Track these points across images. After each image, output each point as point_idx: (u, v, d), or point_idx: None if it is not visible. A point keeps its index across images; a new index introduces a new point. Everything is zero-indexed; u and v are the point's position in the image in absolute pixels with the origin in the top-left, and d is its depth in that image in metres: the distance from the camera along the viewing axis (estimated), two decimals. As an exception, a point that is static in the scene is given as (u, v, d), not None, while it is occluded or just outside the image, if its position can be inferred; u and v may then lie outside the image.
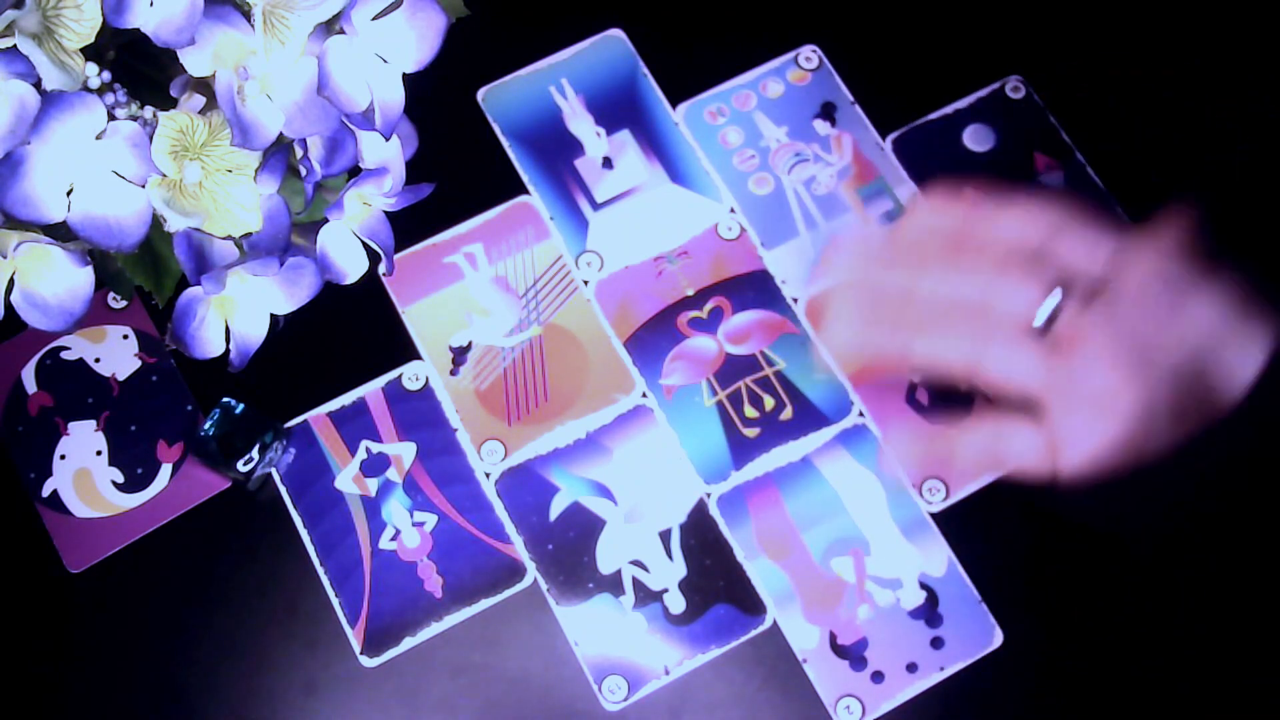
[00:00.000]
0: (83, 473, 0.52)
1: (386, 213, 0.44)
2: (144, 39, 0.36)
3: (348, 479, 0.52)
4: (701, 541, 0.51)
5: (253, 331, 0.42)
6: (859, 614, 0.50)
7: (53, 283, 0.38)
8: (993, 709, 0.50)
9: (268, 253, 0.40)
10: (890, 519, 0.52)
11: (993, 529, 0.52)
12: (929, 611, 0.51)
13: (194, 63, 0.37)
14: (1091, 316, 0.40)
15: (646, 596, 0.51)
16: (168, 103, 0.39)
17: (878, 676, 0.50)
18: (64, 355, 0.54)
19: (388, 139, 0.41)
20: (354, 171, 0.42)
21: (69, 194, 0.36)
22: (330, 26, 0.39)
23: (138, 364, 0.54)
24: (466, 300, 0.55)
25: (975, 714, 0.50)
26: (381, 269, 0.44)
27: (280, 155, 0.40)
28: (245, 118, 0.38)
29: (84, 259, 0.38)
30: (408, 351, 0.54)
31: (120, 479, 0.52)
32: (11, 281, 0.38)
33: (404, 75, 0.41)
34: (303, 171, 0.42)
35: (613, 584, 0.51)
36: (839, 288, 0.43)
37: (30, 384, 0.53)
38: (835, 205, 0.56)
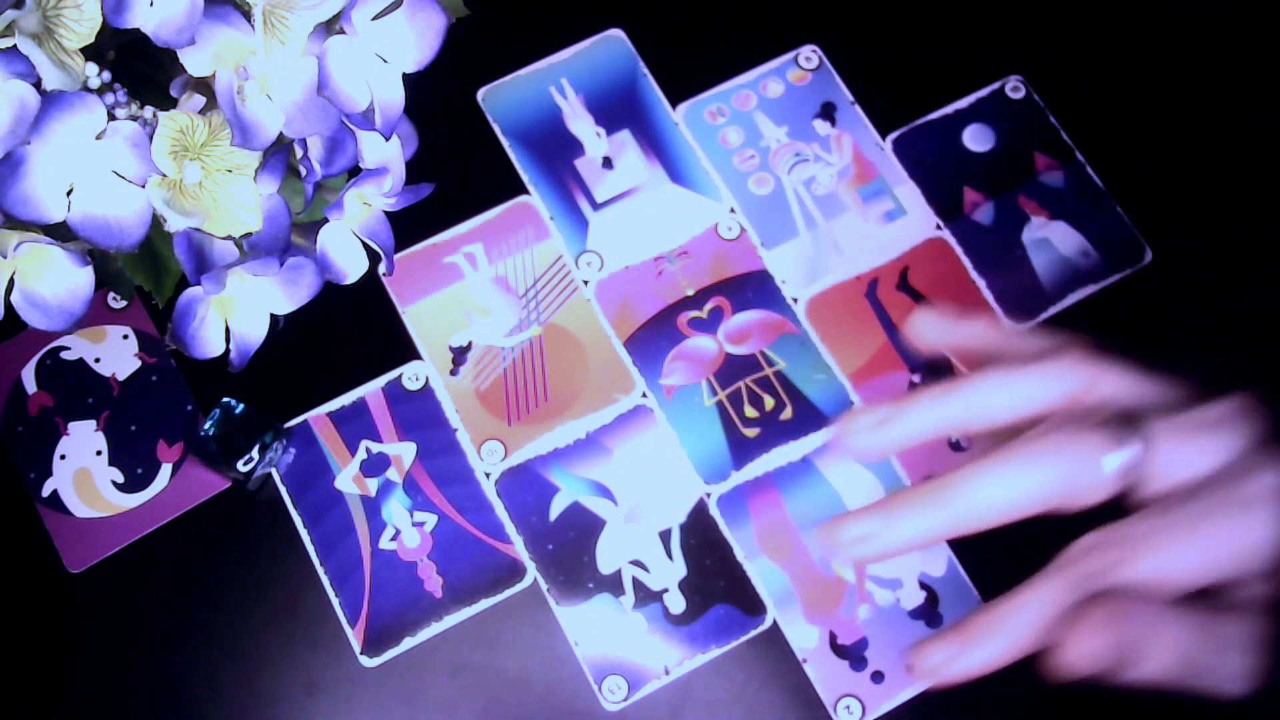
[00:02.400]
0: (83, 473, 0.52)
1: (386, 213, 0.44)
2: (144, 39, 0.36)
3: (348, 479, 0.52)
4: (701, 541, 0.51)
5: (253, 331, 0.42)
6: (859, 614, 0.50)
7: (53, 283, 0.38)
8: (993, 709, 0.50)
9: (268, 253, 0.40)
10: (890, 519, 0.52)
11: (992, 528, 0.52)
12: (929, 611, 0.51)
13: (194, 63, 0.37)
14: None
15: (646, 596, 0.51)
16: (168, 103, 0.39)
17: (878, 676, 0.50)
18: (64, 355, 0.54)
19: (388, 139, 0.41)
20: (354, 171, 0.42)
21: (69, 194, 0.36)
22: (330, 26, 0.39)
23: (138, 364, 0.54)
24: (466, 300, 0.55)
25: (975, 714, 0.50)
26: (381, 269, 0.44)
27: (280, 155, 0.40)
28: (245, 118, 0.38)
29: (84, 259, 0.38)
30: (408, 351, 0.54)
31: (120, 479, 0.52)
32: (11, 281, 0.38)
33: (404, 75, 0.41)
34: (303, 171, 0.42)
35: (613, 584, 0.51)
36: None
37: (30, 384, 0.53)
38: (835, 205, 0.56)
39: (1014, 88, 0.58)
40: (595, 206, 0.56)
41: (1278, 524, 0.34)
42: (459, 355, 0.54)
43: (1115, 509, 0.38)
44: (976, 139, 0.58)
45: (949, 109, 0.58)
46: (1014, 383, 0.37)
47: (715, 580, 0.51)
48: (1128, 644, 0.34)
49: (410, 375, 0.54)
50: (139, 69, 0.40)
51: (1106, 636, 0.34)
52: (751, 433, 0.53)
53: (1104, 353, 0.38)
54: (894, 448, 0.38)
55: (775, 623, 0.50)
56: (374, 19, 0.39)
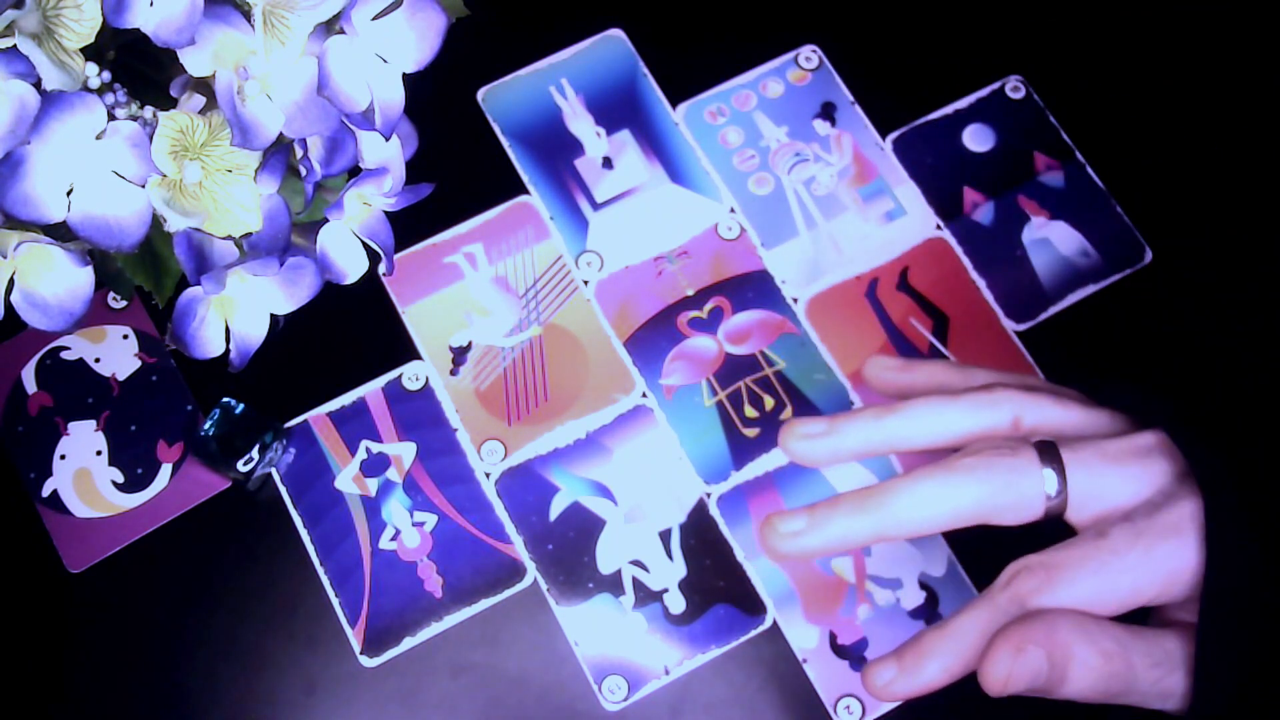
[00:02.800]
0: (83, 473, 0.52)
1: (386, 213, 0.44)
2: (144, 39, 0.36)
3: (348, 479, 0.52)
4: (701, 541, 0.51)
5: (253, 331, 0.42)
6: (859, 614, 0.50)
7: (53, 283, 0.38)
8: (992, 710, 0.50)
9: (268, 253, 0.40)
10: (890, 519, 0.52)
11: (991, 528, 0.52)
12: (929, 611, 0.51)
13: (194, 63, 0.37)
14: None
15: (646, 596, 0.51)
16: (168, 103, 0.39)
17: (878, 676, 0.50)
18: (64, 355, 0.54)
19: (388, 139, 0.41)
20: (354, 171, 0.42)
21: (69, 194, 0.36)
22: (330, 26, 0.39)
23: (138, 364, 0.54)
24: (466, 300, 0.55)
25: (975, 715, 0.50)
26: (381, 269, 0.44)
27: (280, 155, 0.40)
28: (245, 118, 0.38)
29: (84, 259, 0.38)
30: (408, 351, 0.54)
31: (120, 479, 0.52)
32: (11, 281, 0.38)
33: (404, 75, 0.41)
34: (303, 171, 0.42)
35: (613, 584, 0.51)
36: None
37: (30, 384, 0.53)
38: (835, 205, 0.56)
39: (1014, 88, 0.58)
40: (595, 206, 0.56)
41: (1198, 551, 0.35)
42: (459, 355, 0.54)
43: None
44: (976, 139, 0.58)
45: (949, 109, 0.58)
46: (947, 409, 0.39)
47: (715, 580, 0.51)
48: (1052, 659, 0.35)
49: (410, 375, 0.54)
50: (139, 69, 0.40)
51: (1030, 652, 0.35)
52: (751, 433, 0.53)
53: (1033, 387, 0.39)
54: (829, 460, 0.40)
55: (775, 623, 0.50)
56: (374, 19, 0.39)
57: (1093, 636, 0.36)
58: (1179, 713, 0.36)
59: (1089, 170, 0.57)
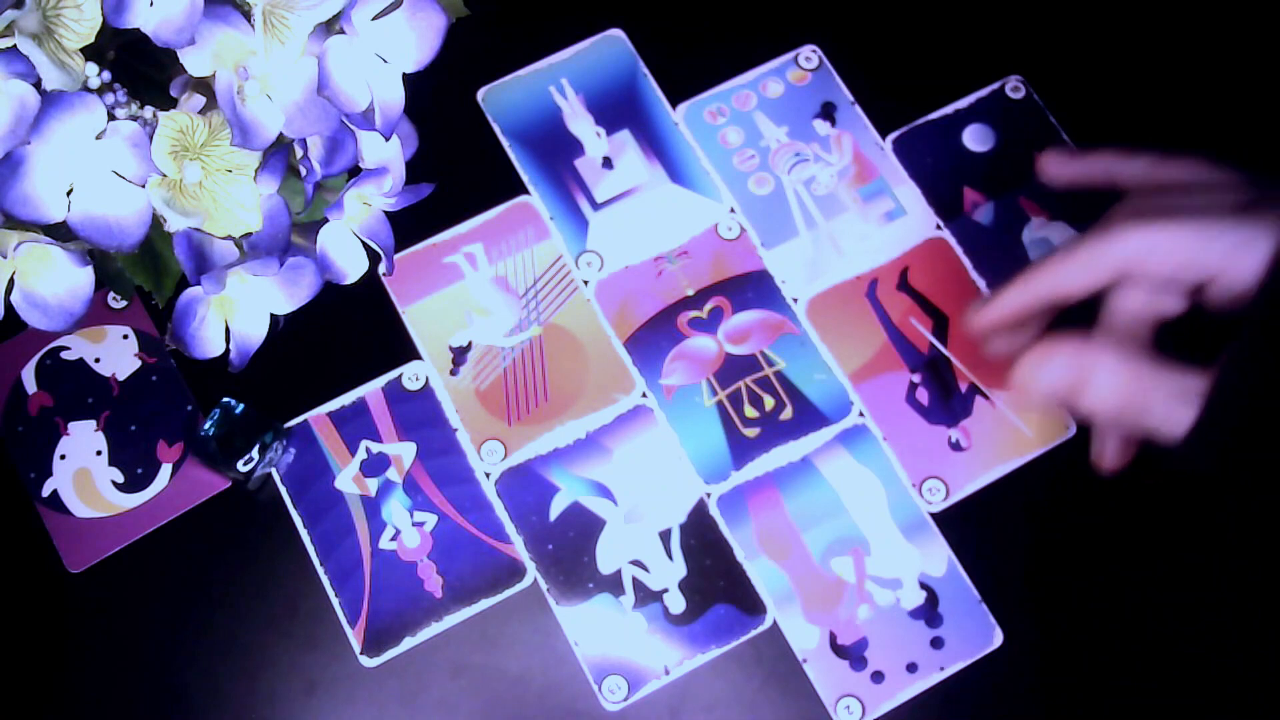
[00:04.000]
0: (83, 473, 0.52)
1: (386, 213, 0.44)
2: (144, 39, 0.36)
3: (348, 479, 0.52)
4: (701, 541, 0.51)
5: (253, 331, 0.42)
6: (859, 614, 0.50)
7: (53, 283, 0.38)
8: (993, 709, 0.50)
9: (268, 253, 0.40)
10: (890, 519, 0.52)
11: (993, 529, 0.52)
12: (929, 611, 0.51)
13: (194, 63, 0.37)
14: None
15: (646, 596, 0.51)
16: (168, 103, 0.39)
17: (878, 676, 0.50)
18: (64, 355, 0.54)
19: (388, 139, 0.41)
20: (354, 171, 0.42)
21: (69, 194, 0.36)
22: (330, 26, 0.39)
23: (138, 364, 0.54)
24: (466, 300, 0.55)
25: (975, 714, 0.50)
26: (381, 269, 0.44)
27: (280, 155, 0.40)
28: (245, 118, 0.38)
29: (84, 259, 0.38)
30: (408, 351, 0.54)
31: (120, 479, 0.52)
32: (11, 281, 0.38)
33: (404, 75, 0.41)
34: (303, 171, 0.42)
35: (613, 584, 0.51)
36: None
37: (30, 384, 0.53)
38: (835, 205, 0.56)
39: (1014, 88, 0.58)
40: (595, 206, 0.56)
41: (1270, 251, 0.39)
42: (459, 355, 0.54)
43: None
44: (976, 139, 0.58)
45: (949, 109, 0.58)
46: (1074, 264, 0.43)
47: (715, 580, 0.51)
48: (1080, 370, 0.41)
49: (410, 375, 0.54)
50: (139, 69, 0.40)
51: (1058, 359, 0.41)
52: (751, 433, 0.53)
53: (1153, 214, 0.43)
54: (999, 322, 0.45)
55: (775, 623, 0.50)
56: (374, 19, 0.39)
57: (1121, 359, 0.40)
58: (1177, 441, 0.39)
59: (1089, 170, 0.57)
